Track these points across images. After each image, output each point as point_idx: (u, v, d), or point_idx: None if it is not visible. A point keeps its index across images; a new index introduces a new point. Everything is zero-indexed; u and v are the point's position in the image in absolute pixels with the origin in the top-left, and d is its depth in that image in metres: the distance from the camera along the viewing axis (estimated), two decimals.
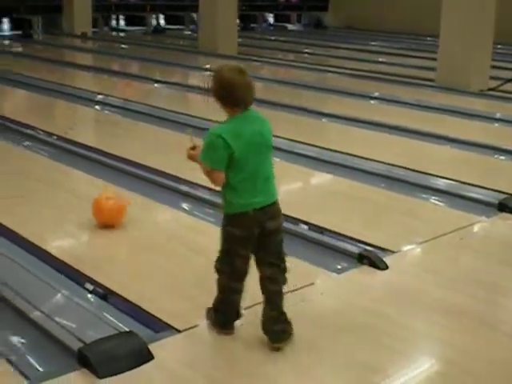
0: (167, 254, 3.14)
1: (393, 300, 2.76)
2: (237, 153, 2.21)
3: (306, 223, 3.52)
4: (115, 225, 3.38)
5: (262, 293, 2.36)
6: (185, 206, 3.85)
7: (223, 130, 2.23)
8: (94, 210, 3.38)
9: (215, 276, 2.37)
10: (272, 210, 2.31)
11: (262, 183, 2.29)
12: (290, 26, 17.35)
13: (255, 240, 2.30)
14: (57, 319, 2.43)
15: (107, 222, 3.38)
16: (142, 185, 4.12)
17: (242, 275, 2.35)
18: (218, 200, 3.74)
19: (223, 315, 2.42)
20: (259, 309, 2.38)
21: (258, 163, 2.27)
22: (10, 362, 2.23)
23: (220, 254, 2.36)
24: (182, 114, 6.02)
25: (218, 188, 2.34)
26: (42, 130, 5.31)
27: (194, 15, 15.78)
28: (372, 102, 7.26)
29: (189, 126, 5.56)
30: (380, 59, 10.84)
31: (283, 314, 2.35)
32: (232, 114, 2.27)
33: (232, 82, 2.22)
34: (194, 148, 2.33)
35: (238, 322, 2.43)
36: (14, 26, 14.16)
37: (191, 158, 2.34)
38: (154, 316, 2.53)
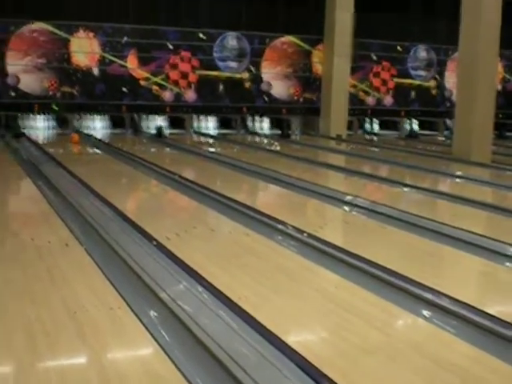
0: (405, 360, 3.10)
1: None
2: None
3: None
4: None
5: None
6: (425, 313, 3.78)
7: None
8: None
9: None
10: None
11: None
12: None
13: None
14: None
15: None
16: (386, 289, 4.12)
17: None
18: (460, 310, 3.69)
19: None
20: None
21: None
22: None
23: None
24: (430, 220, 5.97)
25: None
26: (293, 226, 5.54)
27: (448, 121, 15.80)
28: None
29: (435, 232, 5.53)
30: None
31: None
32: None
33: None
34: None
35: None
36: (275, 125, 15.18)
37: None
38: None
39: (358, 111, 15.59)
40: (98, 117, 13.87)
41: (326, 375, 2.85)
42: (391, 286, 4.17)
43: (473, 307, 3.66)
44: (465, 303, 3.72)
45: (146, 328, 3.33)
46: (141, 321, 3.43)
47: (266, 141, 13.99)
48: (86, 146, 12.06)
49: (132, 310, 3.57)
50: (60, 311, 3.55)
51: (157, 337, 3.23)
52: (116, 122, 13.98)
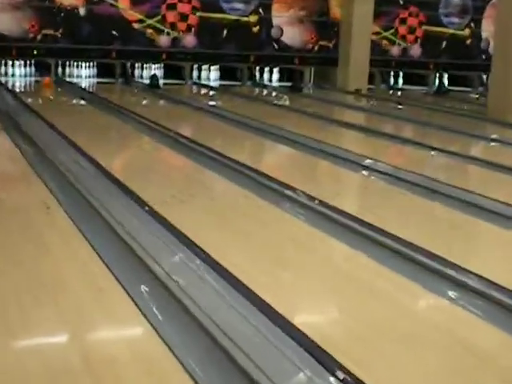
0: (426, 342, 3.11)
1: None
2: None
3: None
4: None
5: None
6: (450, 293, 3.79)
7: None
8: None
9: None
10: None
11: None
12: None
13: None
14: None
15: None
16: (406, 265, 4.12)
17: None
18: (489, 290, 3.69)
19: None
20: None
21: None
22: None
23: None
24: (459, 188, 5.95)
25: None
26: (303, 193, 5.53)
27: (484, 76, 15.68)
28: None
29: (464, 202, 5.52)
30: None
31: None
32: None
33: None
34: None
35: None
36: (284, 77, 15.09)
37: None
38: None
39: (381, 63, 15.48)
40: (84, 63, 13.79)
41: (338, 362, 2.86)
42: (412, 261, 4.17)
43: (503, 288, 3.66)
44: (494, 283, 3.73)
45: (136, 304, 3.34)
46: (130, 296, 3.44)
47: (274, 94, 13.93)
48: (70, 96, 12.02)
49: (120, 284, 3.58)
50: (38, 283, 3.56)
51: (148, 315, 3.24)
52: (104, 70, 13.90)
